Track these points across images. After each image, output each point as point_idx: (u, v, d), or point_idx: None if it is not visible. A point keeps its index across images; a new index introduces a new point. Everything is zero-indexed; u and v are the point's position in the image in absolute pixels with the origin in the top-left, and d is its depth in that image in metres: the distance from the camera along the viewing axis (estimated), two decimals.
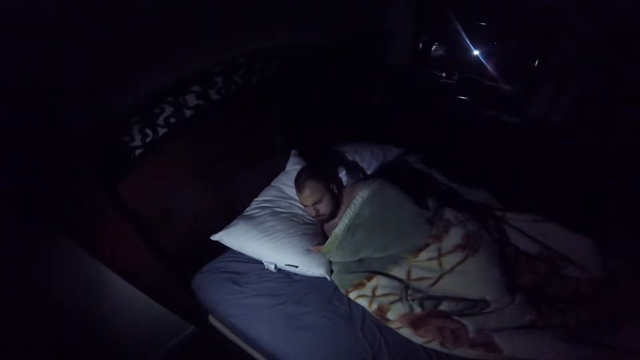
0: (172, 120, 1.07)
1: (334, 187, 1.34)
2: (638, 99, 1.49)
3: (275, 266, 1.24)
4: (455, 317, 1.02)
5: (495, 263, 1.10)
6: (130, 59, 0.95)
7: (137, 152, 1.00)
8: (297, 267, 1.20)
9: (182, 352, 1.54)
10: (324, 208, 1.29)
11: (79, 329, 1.18)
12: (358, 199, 1.28)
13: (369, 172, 1.65)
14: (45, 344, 1.10)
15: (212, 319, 1.36)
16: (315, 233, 1.32)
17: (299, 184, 1.30)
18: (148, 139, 1.01)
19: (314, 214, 1.30)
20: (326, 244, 1.24)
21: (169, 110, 1.05)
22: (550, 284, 1.11)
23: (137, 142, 0.99)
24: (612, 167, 1.61)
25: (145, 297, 1.16)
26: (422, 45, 2.10)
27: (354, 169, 1.58)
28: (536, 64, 1.77)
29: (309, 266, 1.20)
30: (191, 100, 1.12)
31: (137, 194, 1.02)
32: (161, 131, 1.05)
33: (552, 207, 1.36)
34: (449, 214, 1.19)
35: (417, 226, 1.20)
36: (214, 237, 1.28)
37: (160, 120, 1.04)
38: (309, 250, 1.23)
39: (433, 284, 1.12)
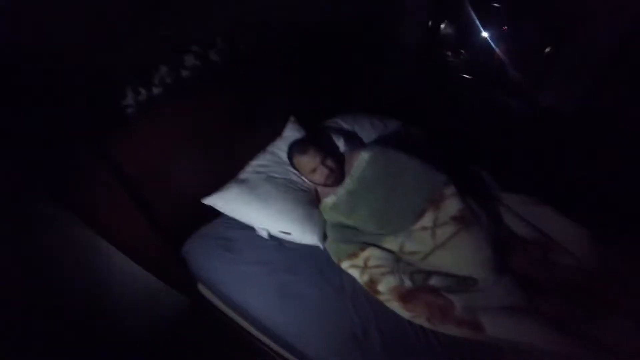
0: (168, 80, 1.00)
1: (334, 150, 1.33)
2: None
3: (268, 233, 1.22)
4: (444, 293, 1.03)
5: (486, 241, 1.09)
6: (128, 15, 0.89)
7: (130, 110, 0.94)
8: (290, 234, 1.18)
9: (170, 321, 1.51)
10: (332, 162, 1.26)
11: (65, 293, 1.13)
12: (361, 162, 1.25)
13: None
14: (36, 311, 1.06)
15: (201, 288, 1.35)
16: (311, 200, 1.30)
17: (301, 148, 1.28)
18: (141, 98, 0.95)
19: (326, 172, 1.24)
20: (325, 201, 1.24)
21: (164, 69, 0.99)
22: (540, 269, 1.11)
23: (130, 100, 0.93)
24: (612, 161, 1.59)
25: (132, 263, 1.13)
26: (432, 23, 2.03)
27: (352, 139, 1.53)
28: (549, 50, 1.71)
29: (302, 234, 1.18)
30: (189, 60, 1.05)
31: (129, 156, 0.97)
32: (156, 91, 0.99)
33: (550, 193, 1.35)
34: (448, 184, 1.17)
35: (418, 189, 1.18)
36: (206, 201, 1.25)
37: (156, 80, 0.98)
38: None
39: (424, 258, 1.11)
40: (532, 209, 1.24)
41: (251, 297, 1.11)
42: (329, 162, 1.25)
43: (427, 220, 1.13)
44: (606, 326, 0.94)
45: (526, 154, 1.79)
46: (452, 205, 1.13)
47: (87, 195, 0.90)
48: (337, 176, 1.27)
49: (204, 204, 1.26)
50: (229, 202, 1.23)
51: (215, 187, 1.28)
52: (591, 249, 1.10)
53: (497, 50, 1.89)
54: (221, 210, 1.26)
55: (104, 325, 1.29)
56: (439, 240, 1.10)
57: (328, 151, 1.29)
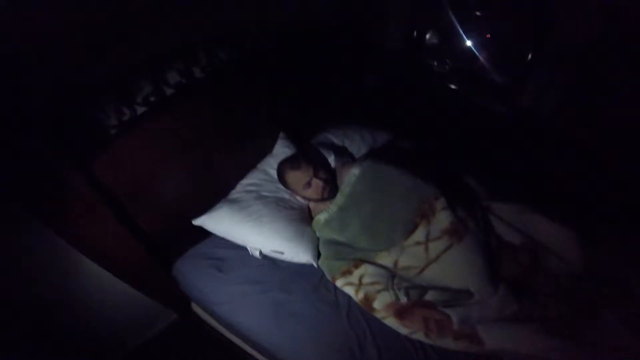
0: (152, 99, 0.99)
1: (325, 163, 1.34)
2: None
3: (260, 252, 1.20)
4: (440, 308, 1.02)
5: (479, 253, 1.10)
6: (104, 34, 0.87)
7: (113, 131, 0.93)
8: (283, 253, 1.17)
9: (165, 340, 1.49)
10: (325, 174, 1.26)
11: (55, 317, 1.13)
12: (352, 177, 1.25)
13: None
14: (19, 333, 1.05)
15: (195, 307, 1.32)
16: (303, 218, 1.29)
17: (292, 164, 1.27)
18: (125, 118, 0.94)
19: (321, 184, 1.23)
20: (317, 218, 1.24)
21: (148, 88, 0.98)
22: (532, 276, 1.12)
23: (113, 120, 0.92)
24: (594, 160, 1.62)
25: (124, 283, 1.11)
26: (417, 32, 2.05)
27: (343, 153, 1.53)
28: (530, 56, 1.75)
29: (295, 252, 1.17)
30: (173, 77, 1.04)
31: (113, 173, 0.95)
32: (140, 110, 0.97)
33: (536, 196, 1.37)
34: (438, 197, 1.17)
35: (407, 202, 1.18)
36: (196, 222, 1.22)
37: (139, 99, 0.97)
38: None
39: (419, 273, 1.11)
40: (520, 217, 1.24)
41: (245, 317, 1.08)
42: (322, 174, 1.25)
43: (419, 234, 1.13)
44: (598, 327, 0.94)
45: (511, 157, 1.82)
46: (443, 219, 1.13)
47: (69, 212, 0.88)
48: (332, 188, 1.27)
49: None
50: (219, 223, 1.21)
51: (204, 205, 1.26)
52: (577, 251, 1.11)
53: (480, 57, 1.92)
54: (212, 231, 1.24)
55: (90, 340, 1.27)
56: (433, 254, 1.10)
57: (320, 164, 1.29)
